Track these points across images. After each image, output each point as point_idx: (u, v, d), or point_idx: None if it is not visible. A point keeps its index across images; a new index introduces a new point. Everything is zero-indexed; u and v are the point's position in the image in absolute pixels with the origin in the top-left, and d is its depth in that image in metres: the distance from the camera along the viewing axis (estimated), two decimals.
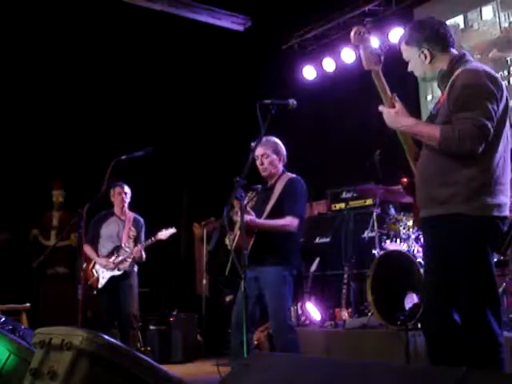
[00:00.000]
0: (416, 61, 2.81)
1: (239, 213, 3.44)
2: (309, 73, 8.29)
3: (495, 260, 4.47)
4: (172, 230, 5.49)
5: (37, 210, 6.84)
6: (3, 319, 3.28)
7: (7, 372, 2.77)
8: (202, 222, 7.67)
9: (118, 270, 5.42)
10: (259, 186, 4.13)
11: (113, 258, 5.46)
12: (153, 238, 5.45)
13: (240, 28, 8.29)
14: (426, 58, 2.78)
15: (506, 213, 2.67)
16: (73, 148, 7.50)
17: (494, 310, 2.58)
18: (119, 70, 7.68)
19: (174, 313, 6.87)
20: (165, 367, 2.36)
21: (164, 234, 5.46)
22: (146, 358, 2.28)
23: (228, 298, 6.89)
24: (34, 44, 7.17)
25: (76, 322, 4.04)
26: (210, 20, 8.00)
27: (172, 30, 7.75)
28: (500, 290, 4.53)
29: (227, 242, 3.92)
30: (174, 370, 2.44)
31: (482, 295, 2.59)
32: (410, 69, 2.88)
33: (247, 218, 3.74)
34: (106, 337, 2.19)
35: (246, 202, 3.99)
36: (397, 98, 2.75)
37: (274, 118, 3.27)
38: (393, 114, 2.71)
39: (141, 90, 7.89)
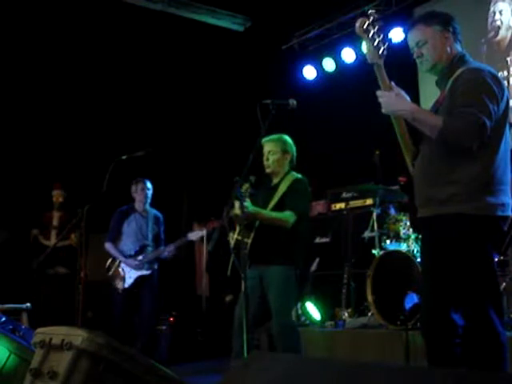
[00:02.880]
0: (436, 42, 2.74)
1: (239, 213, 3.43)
2: (309, 73, 8.30)
3: (495, 260, 4.49)
4: (202, 233, 5.34)
5: (37, 210, 6.83)
6: (3, 319, 3.28)
7: (7, 372, 2.77)
8: (202, 222, 7.67)
9: (147, 269, 5.38)
10: (253, 178, 4.08)
11: (140, 257, 5.40)
12: (183, 239, 5.37)
13: (240, 28, 8.29)
14: (447, 39, 2.74)
15: (509, 213, 2.66)
16: (73, 148, 7.50)
17: (496, 309, 2.57)
18: (119, 70, 7.67)
19: (174, 313, 6.87)
20: (165, 367, 2.36)
21: (194, 234, 5.35)
22: (146, 358, 2.29)
23: (228, 298, 6.89)
24: (34, 44, 7.16)
25: (76, 322, 4.04)
26: (210, 20, 8.00)
27: (172, 30, 7.75)
28: (500, 290, 4.53)
29: (229, 239, 3.91)
30: (174, 370, 2.44)
31: (484, 295, 2.58)
32: (418, 54, 2.78)
33: (245, 205, 3.71)
34: (106, 337, 2.19)
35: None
36: (394, 86, 2.73)
37: (274, 118, 3.26)
38: (393, 97, 2.65)
39: (141, 90, 7.88)
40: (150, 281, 5.43)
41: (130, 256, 5.43)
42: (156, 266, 5.53)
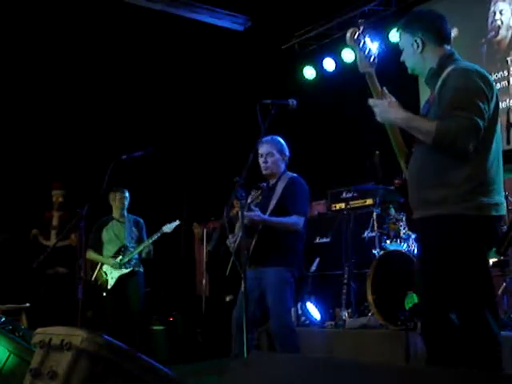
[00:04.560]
0: (408, 49, 2.79)
1: (240, 213, 3.43)
2: (309, 73, 8.30)
3: (495, 260, 4.49)
4: (176, 223, 5.56)
5: (37, 210, 6.83)
6: (3, 319, 3.28)
7: (7, 372, 2.77)
8: (202, 222, 7.67)
9: (125, 268, 5.50)
10: (264, 184, 4.13)
11: (119, 258, 5.55)
12: (158, 233, 5.53)
13: (240, 28, 8.29)
14: (417, 47, 2.75)
15: (503, 212, 2.66)
16: (73, 148, 7.50)
17: (491, 309, 2.57)
18: (119, 70, 7.67)
19: (174, 313, 6.87)
20: (165, 367, 2.35)
21: (168, 227, 5.54)
22: (146, 358, 2.28)
23: (228, 298, 6.89)
24: (35, 44, 7.16)
25: (76, 322, 4.04)
26: (210, 20, 8.00)
27: (172, 30, 7.75)
28: (500, 290, 4.53)
29: (228, 242, 3.92)
30: (174, 370, 2.44)
31: (479, 295, 2.58)
32: (402, 58, 2.84)
33: (252, 213, 3.75)
34: (106, 337, 2.19)
35: (250, 200, 3.99)
36: (386, 92, 2.72)
37: (274, 118, 3.26)
38: (386, 106, 2.65)
39: (141, 90, 7.88)
40: (134, 280, 5.56)
41: (110, 257, 5.60)
42: (141, 268, 5.67)
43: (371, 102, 2.70)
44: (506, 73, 6.33)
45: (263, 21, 8.01)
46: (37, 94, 7.37)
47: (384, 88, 2.72)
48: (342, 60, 7.77)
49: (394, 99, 2.70)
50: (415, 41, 2.76)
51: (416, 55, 2.77)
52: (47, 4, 6.84)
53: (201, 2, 7.77)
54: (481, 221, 2.57)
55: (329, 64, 8.03)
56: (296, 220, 3.92)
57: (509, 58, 6.34)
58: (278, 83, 7.67)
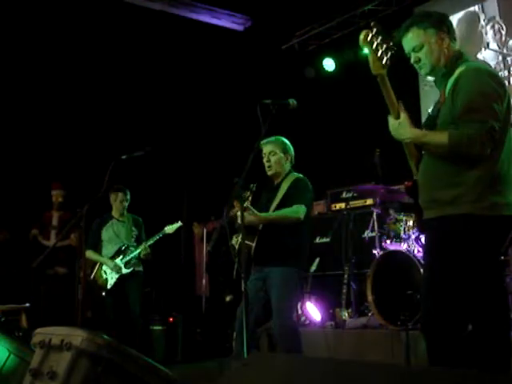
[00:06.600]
0: (432, 46, 2.72)
1: (240, 213, 3.43)
2: (309, 73, 8.30)
3: None
4: (178, 224, 5.54)
5: (37, 210, 6.83)
6: (3, 319, 3.28)
7: (7, 372, 2.77)
8: (202, 222, 7.67)
9: (126, 268, 5.50)
10: (253, 185, 4.10)
11: (119, 257, 5.53)
12: (160, 233, 5.51)
13: (240, 28, 8.29)
14: (443, 41, 2.71)
15: None
16: (73, 148, 7.50)
17: (503, 309, 2.56)
18: (119, 69, 7.67)
19: (174, 313, 6.87)
20: (165, 367, 2.35)
21: (170, 228, 5.52)
22: (146, 358, 2.28)
23: (228, 298, 6.89)
24: (34, 44, 7.16)
25: (76, 322, 4.04)
26: (210, 20, 8.00)
27: (172, 30, 7.75)
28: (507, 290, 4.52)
29: (233, 242, 3.91)
30: (174, 370, 2.44)
31: (491, 295, 2.57)
32: (416, 59, 2.77)
33: (250, 216, 3.73)
34: (106, 337, 2.19)
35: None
36: (402, 107, 2.71)
37: (274, 118, 3.26)
38: (397, 126, 2.66)
39: (141, 90, 7.88)
40: (134, 280, 5.55)
41: (109, 259, 5.57)
42: (141, 268, 5.65)
43: (388, 118, 2.71)
44: (506, 73, 6.34)
45: (263, 21, 8.01)
46: (37, 94, 7.36)
47: (400, 104, 2.70)
48: (343, 60, 7.76)
49: (405, 116, 2.65)
50: (440, 35, 2.71)
51: (442, 50, 2.71)
52: (47, 4, 6.84)
53: (201, 2, 7.76)
54: (493, 220, 2.56)
55: (329, 64, 8.01)
56: (296, 208, 3.86)
57: (509, 58, 6.34)
58: (278, 83, 7.67)
